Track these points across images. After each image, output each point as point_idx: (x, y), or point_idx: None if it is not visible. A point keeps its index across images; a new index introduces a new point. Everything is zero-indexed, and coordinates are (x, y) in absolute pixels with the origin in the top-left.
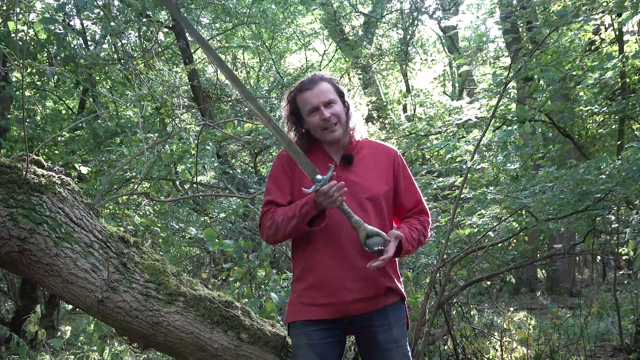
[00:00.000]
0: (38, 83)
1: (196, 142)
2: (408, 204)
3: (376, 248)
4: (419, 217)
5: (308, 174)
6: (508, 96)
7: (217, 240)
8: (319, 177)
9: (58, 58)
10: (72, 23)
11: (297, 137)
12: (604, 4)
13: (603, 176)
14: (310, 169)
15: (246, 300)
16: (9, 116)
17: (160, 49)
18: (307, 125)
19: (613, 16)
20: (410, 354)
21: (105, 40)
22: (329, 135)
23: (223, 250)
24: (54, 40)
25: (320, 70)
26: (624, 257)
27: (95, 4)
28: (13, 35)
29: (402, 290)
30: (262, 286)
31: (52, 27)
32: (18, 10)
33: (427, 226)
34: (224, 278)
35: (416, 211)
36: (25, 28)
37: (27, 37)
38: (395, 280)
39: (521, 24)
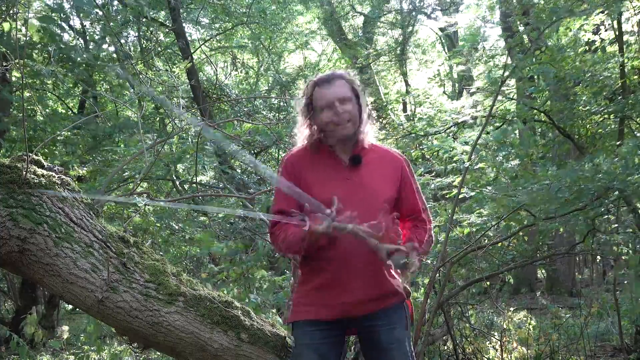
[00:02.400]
0: (37, 82)
1: (195, 142)
2: (412, 212)
3: (402, 262)
4: (424, 225)
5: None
6: (503, 95)
7: (209, 241)
8: (327, 211)
9: (56, 58)
10: (71, 23)
11: (309, 133)
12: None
13: (600, 175)
14: (316, 206)
15: (246, 300)
16: (6, 120)
17: (160, 49)
18: (319, 120)
19: (612, 15)
20: (412, 353)
21: (106, 40)
22: (340, 132)
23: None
24: (50, 40)
25: (319, 70)
26: (623, 257)
27: (94, 3)
28: (12, 34)
29: (406, 287)
30: (256, 287)
31: (50, 26)
32: (17, 10)
33: (431, 234)
34: (223, 278)
35: (420, 218)
36: (24, 29)
37: (25, 37)
38: (398, 279)
39: (518, 23)
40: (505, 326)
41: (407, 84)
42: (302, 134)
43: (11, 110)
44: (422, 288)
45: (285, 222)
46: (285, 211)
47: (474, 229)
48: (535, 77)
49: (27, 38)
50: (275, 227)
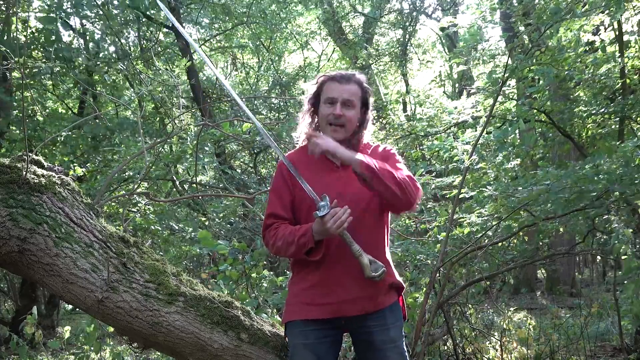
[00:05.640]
0: (37, 82)
1: (195, 141)
2: None
3: (382, 269)
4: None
5: (314, 200)
6: (504, 95)
7: (210, 240)
8: (322, 203)
9: (56, 58)
10: (71, 23)
11: (310, 124)
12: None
13: (601, 175)
14: (314, 196)
15: (246, 300)
16: (9, 120)
17: (159, 49)
18: (319, 112)
19: (615, 16)
20: (406, 353)
21: (106, 40)
22: (330, 133)
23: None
24: (53, 37)
25: (319, 70)
26: (623, 257)
27: (94, 3)
28: (15, 33)
29: (398, 278)
30: (254, 287)
31: (50, 25)
32: (17, 10)
33: (406, 178)
34: (221, 279)
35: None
36: (25, 31)
37: (26, 37)
38: (392, 277)
39: (519, 23)
40: (505, 326)
41: (407, 84)
42: (303, 121)
43: (11, 110)
44: (422, 288)
45: (276, 227)
46: (278, 214)
47: (474, 229)
48: (536, 77)
49: (27, 38)
50: (266, 230)
